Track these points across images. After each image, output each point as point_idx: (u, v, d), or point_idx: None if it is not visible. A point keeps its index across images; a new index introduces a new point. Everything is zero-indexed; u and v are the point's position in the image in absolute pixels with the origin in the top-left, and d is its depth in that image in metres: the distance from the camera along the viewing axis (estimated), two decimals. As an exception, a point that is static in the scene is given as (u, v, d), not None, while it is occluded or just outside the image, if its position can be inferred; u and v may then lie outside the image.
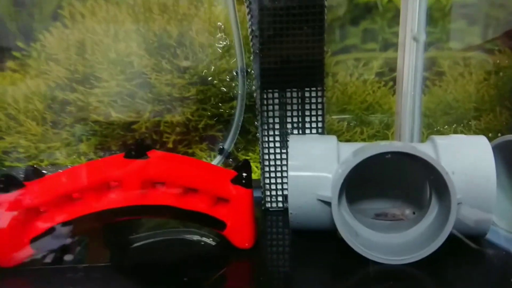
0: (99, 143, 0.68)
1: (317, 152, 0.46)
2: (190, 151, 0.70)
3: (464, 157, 0.42)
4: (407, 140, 0.60)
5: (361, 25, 0.67)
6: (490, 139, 0.44)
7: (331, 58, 0.68)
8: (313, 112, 0.57)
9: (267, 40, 0.54)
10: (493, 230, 0.43)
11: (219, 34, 0.64)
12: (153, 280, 0.40)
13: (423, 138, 0.68)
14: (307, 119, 0.58)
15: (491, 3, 0.67)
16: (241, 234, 0.44)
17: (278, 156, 0.59)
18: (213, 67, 0.67)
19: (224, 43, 0.66)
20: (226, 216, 0.43)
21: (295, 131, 0.58)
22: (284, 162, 0.58)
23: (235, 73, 0.65)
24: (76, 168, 0.44)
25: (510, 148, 0.47)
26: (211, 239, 0.47)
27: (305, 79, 0.55)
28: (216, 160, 0.67)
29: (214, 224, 0.44)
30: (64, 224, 0.41)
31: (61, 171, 0.45)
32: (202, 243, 0.47)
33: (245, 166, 0.50)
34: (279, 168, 0.59)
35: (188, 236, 0.49)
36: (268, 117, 0.57)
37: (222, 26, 0.65)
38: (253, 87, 0.63)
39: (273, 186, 0.60)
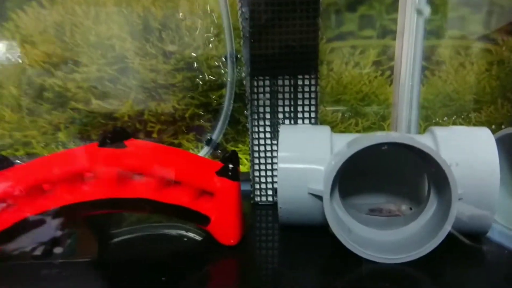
0: (79, 132, 0.66)
1: (309, 143, 0.44)
2: (176, 141, 0.68)
3: (466, 150, 0.40)
4: (404, 132, 0.59)
5: (358, 10, 0.65)
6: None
7: (326, 45, 0.67)
8: (306, 101, 0.56)
9: (257, 24, 0.51)
10: (493, 228, 0.41)
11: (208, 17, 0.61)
12: (131, 278, 0.38)
13: (421, 131, 0.67)
14: (300, 108, 0.56)
15: (494, -10, 0.65)
16: (226, 229, 0.41)
17: (268, 148, 0.57)
18: (201, 52, 0.65)
19: (213, 26, 0.63)
20: (210, 210, 0.41)
21: (287, 121, 0.56)
22: (274, 153, 0.57)
23: (224, 59, 0.62)
24: (46, 158, 0.41)
25: (513, 141, 0.46)
26: (196, 234, 0.45)
27: (298, 66, 0.53)
28: (204, 152, 0.64)
29: (197, 219, 0.41)
30: (34, 217, 0.38)
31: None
32: (185, 239, 0.44)
33: (233, 157, 0.48)
34: (269, 160, 0.58)
35: (173, 231, 0.47)
36: (258, 106, 0.55)
37: (211, 10, 0.62)
38: (243, 74, 0.60)
39: (262, 179, 0.58)
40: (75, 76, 0.65)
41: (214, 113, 0.67)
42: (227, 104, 0.63)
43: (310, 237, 0.45)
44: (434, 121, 0.69)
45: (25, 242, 0.40)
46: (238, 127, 0.68)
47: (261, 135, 0.57)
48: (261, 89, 0.55)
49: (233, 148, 0.70)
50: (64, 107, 0.66)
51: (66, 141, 0.67)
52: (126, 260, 0.41)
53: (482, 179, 0.39)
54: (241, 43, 0.54)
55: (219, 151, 0.68)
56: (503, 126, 0.68)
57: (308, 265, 0.40)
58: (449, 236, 0.37)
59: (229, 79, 0.62)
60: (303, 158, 0.43)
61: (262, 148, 0.57)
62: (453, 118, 0.69)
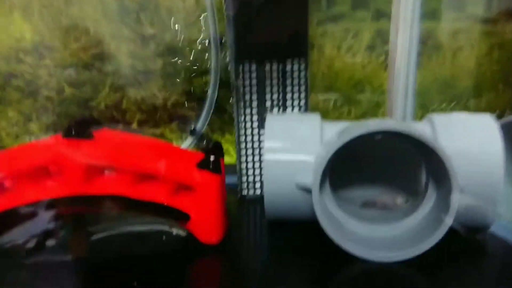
0: (52, 123, 0.62)
1: (297, 132, 0.42)
2: (158, 132, 0.65)
3: (467, 138, 0.38)
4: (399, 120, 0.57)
5: (351, -10, 0.64)
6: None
7: (316, 28, 0.65)
8: (295, 88, 0.53)
9: (242, 4, 0.48)
10: (497, 222, 0.39)
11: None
12: (102, 280, 0.35)
13: (417, 119, 0.64)
14: (289, 96, 0.54)
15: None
16: (207, 227, 0.39)
17: (255, 138, 0.55)
18: (183, 36, 0.63)
19: (195, 7, 0.60)
20: (190, 207, 0.38)
21: (275, 110, 0.54)
22: (262, 144, 0.54)
23: (207, 43, 0.59)
24: (6, 152, 0.38)
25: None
26: (180, 231, 0.42)
27: (287, 50, 0.51)
28: (187, 143, 0.61)
29: (175, 217, 0.38)
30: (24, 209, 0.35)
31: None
32: (164, 236, 0.41)
33: (216, 148, 0.45)
34: (257, 151, 0.56)
35: (155, 227, 0.44)
36: (244, 93, 0.53)
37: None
38: (227, 58, 0.57)
39: (250, 171, 0.56)
40: (47, 62, 0.62)
41: (199, 102, 0.64)
42: (211, 92, 0.60)
43: (300, 233, 0.43)
44: (431, 108, 0.68)
45: (17, 235, 0.39)
46: (224, 117, 0.67)
47: (248, 125, 0.54)
48: (247, 75, 0.53)
49: (220, 139, 0.68)
50: (35, 96, 0.63)
51: (38, 132, 0.63)
52: (100, 261, 0.39)
53: (485, 169, 0.37)
54: (225, 25, 0.51)
55: (205, 142, 0.65)
56: (506, 114, 0.66)
57: (296, 265, 0.38)
58: (450, 231, 0.35)
59: (213, 65, 0.59)
60: (290, 148, 0.41)
61: (249, 138, 0.55)
62: (451, 105, 0.68)
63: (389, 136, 0.38)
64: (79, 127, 0.36)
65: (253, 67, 0.52)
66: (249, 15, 0.49)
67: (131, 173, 0.37)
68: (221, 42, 0.58)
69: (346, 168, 0.44)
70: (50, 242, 0.41)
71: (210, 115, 0.61)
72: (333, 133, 0.41)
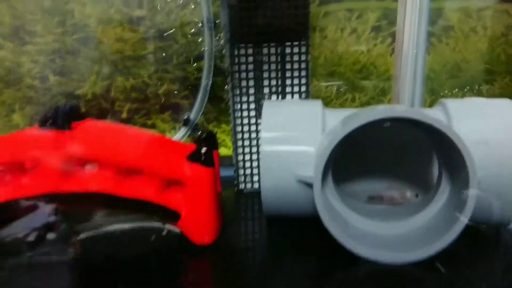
0: (36, 113, 0.60)
1: (296, 120, 0.39)
2: (149, 122, 0.63)
3: (485, 125, 0.35)
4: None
5: (355, -33, 0.62)
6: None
7: (318, 8, 0.62)
8: (296, 73, 0.51)
9: (237, -19, 0.46)
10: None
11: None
12: (87, 282, 0.33)
13: (426, 106, 0.64)
14: (288, 81, 0.51)
15: None
16: (198, 226, 0.36)
17: (253, 128, 0.53)
18: (174, 18, 0.60)
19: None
20: (180, 204, 0.36)
21: (274, 97, 0.52)
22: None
23: (200, 25, 0.56)
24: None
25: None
26: (171, 229, 0.40)
27: (286, 31, 0.49)
28: (181, 133, 0.59)
29: (164, 215, 0.36)
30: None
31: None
32: (154, 236, 0.39)
33: (209, 139, 0.42)
34: (254, 142, 0.54)
35: (144, 224, 0.41)
36: (240, 79, 0.51)
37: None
38: (221, 41, 0.54)
39: (247, 164, 0.54)
40: (29, 49, 0.59)
41: (193, 89, 0.62)
42: (205, 78, 0.57)
43: (300, 230, 0.41)
44: (441, 94, 0.66)
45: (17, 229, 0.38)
46: (221, 105, 0.64)
47: (245, 113, 0.52)
48: (243, 59, 0.50)
49: (216, 129, 0.65)
50: (17, 85, 0.60)
51: (21, 123, 0.61)
52: (85, 262, 0.37)
53: (504, 160, 0.34)
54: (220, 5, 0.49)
55: (200, 132, 0.62)
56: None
57: (296, 265, 0.36)
58: (465, 228, 0.32)
59: (206, 48, 0.55)
60: (289, 138, 0.38)
61: (246, 128, 0.53)
62: (463, 91, 0.66)
63: (398, 123, 0.35)
64: (56, 117, 0.33)
65: (250, 50, 0.50)
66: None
67: (115, 168, 0.35)
68: (215, 24, 0.55)
69: (350, 159, 0.43)
70: (51, 236, 0.39)
71: (204, 104, 0.58)
72: (336, 121, 0.39)
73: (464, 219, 0.32)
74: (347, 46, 0.63)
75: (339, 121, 0.38)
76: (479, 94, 0.65)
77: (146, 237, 0.39)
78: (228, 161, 0.54)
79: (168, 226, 0.37)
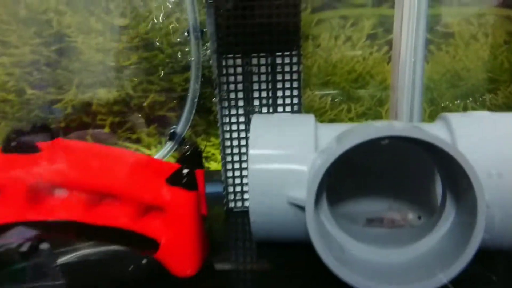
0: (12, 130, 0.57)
1: (288, 136, 0.37)
2: (133, 136, 0.61)
3: (493, 143, 0.33)
4: (405, 119, 0.54)
5: (349, -27, 0.62)
6: None
7: (310, 16, 0.61)
8: (287, 84, 0.49)
9: (224, -12, 0.45)
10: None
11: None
12: None
13: (425, 117, 0.63)
14: (279, 93, 0.49)
15: None
16: (180, 257, 0.34)
17: (243, 142, 0.50)
18: (159, 27, 0.58)
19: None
20: (159, 232, 0.33)
21: (264, 110, 0.50)
22: (249, 150, 0.49)
23: (186, 34, 0.54)
24: None
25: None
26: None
27: (276, 41, 0.47)
28: (167, 148, 0.56)
29: (142, 244, 0.33)
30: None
31: None
32: (132, 266, 0.36)
33: (193, 156, 0.40)
34: (244, 158, 0.52)
35: (121, 253, 0.39)
36: (228, 91, 0.49)
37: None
38: (208, 51, 0.52)
39: (237, 181, 0.51)
40: (3, 60, 0.58)
41: (180, 101, 0.60)
42: (192, 90, 0.55)
43: (295, 256, 0.39)
44: (441, 105, 0.64)
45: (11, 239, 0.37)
46: (209, 117, 0.62)
47: (234, 127, 0.50)
48: (231, 70, 0.48)
49: (205, 143, 0.62)
50: (-9, 99, 0.58)
51: (-4, 140, 0.58)
52: None
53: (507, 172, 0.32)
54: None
55: (187, 146, 0.60)
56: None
57: None
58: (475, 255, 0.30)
59: (193, 59, 0.53)
60: (279, 156, 0.36)
61: (235, 143, 0.51)
62: (464, 101, 0.65)
63: (397, 140, 0.32)
64: (21, 139, 0.30)
65: (238, 61, 0.48)
66: (232, 0, 0.45)
67: (86, 193, 0.32)
68: (202, 33, 0.53)
69: (346, 179, 0.41)
70: (44, 246, 0.38)
71: (192, 116, 0.56)
72: (330, 138, 0.37)
73: (473, 246, 0.29)
74: (342, 54, 0.62)
75: (333, 137, 0.36)
76: (482, 104, 0.64)
77: (123, 266, 0.36)
78: (218, 176, 0.52)
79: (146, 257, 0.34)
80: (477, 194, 0.29)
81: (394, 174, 0.42)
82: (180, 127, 0.56)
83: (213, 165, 0.64)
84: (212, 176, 0.60)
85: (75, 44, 0.57)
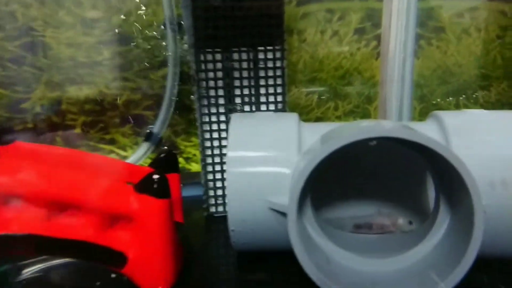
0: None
1: (269, 137, 0.35)
2: (107, 137, 0.59)
3: (490, 143, 0.32)
4: (394, 117, 0.53)
5: (336, -36, 0.61)
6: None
7: (295, 9, 0.59)
8: (270, 81, 0.47)
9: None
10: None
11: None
12: None
13: (415, 115, 0.62)
14: (262, 90, 0.47)
15: None
16: (150, 271, 0.31)
17: (224, 143, 0.48)
18: (134, 20, 0.55)
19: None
20: (127, 244, 0.31)
21: (247, 108, 0.48)
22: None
23: (162, 27, 0.51)
24: None
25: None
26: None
27: (259, 34, 0.45)
28: (143, 150, 0.53)
29: (108, 258, 0.30)
30: None
31: None
32: (99, 283, 0.33)
33: (168, 160, 0.37)
34: (225, 159, 0.47)
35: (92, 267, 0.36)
36: (208, 88, 0.47)
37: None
38: (185, 45, 0.50)
39: (218, 184, 0.49)
40: None
41: (158, 99, 0.57)
42: (170, 87, 0.53)
43: (278, 267, 0.37)
44: (433, 102, 0.64)
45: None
46: (190, 116, 0.60)
47: (214, 127, 0.48)
48: (210, 66, 0.46)
49: (185, 143, 0.60)
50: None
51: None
52: None
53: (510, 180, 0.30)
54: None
55: (166, 147, 0.57)
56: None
57: None
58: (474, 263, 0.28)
59: (170, 54, 0.51)
60: (260, 159, 0.34)
61: (216, 143, 0.48)
62: (455, 98, 0.64)
63: (386, 140, 0.30)
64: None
65: (218, 56, 0.46)
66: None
67: (45, 203, 0.29)
68: (179, 26, 0.50)
69: (332, 182, 0.39)
70: None
71: (170, 115, 0.53)
72: (315, 138, 0.35)
73: (471, 255, 0.27)
74: (328, 50, 0.61)
75: (318, 138, 0.34)
76: (475, 101, 0.64)
77: (90, 282, 0.33)
78: (199, 179, 0.50)
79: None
80: (473, 199, 0.27)
81: (383, 177, 0.41)
82: (157, 127, 0.54)
83: (194, 167, 0.61)
84: (193, 178, 0.58)
85: (42, 38, 0.55)
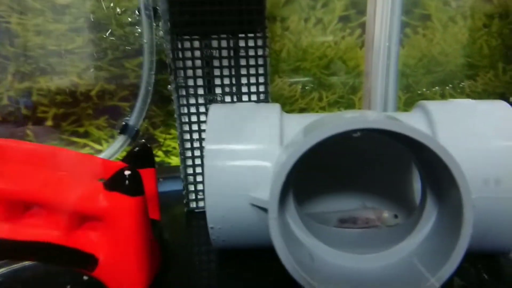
0: None
1: (250, 129, 0.34)
2: (81, 129, 0.56)
3: (478, 134, 0.31)
4: (379, 108, 0.53)
5: None
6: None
7: None
8: (252, 71, 0.46)
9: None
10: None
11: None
12: None
13: (400, 105, 0.62)
14: (244, 80, 0.46)
15: None
16: (123, 274, 0.29)
17: (204, 135, 0.46)
18: (107, 5, 0.53)
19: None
20: (97, 246, 0.29)
21: (228, 98, 0.46)
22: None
23: (136, 13, 0.49)
24: None
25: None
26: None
27: (239, 20, 0.44)
28: (118, 143, 0.51)
29: (76, 261, 0.29)
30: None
31: None
32: (69, 286, 0.32)
33: (141, 154, 0.36)
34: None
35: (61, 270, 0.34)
36: (186, 77, 0.45)
37: None
38: (161, 32, 0.48)
39: (199, 178, 0.47)
40: None
41: (133, 89, 0.55)
42: (146, 76, 0.50)
43: (260, 265, 0.35)
44: (418, 92, 0.63)
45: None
46: (168, 107, 0.57)
47: (193, 118, 0.46)
48: (188, 54, 0.44)
49: (163, 136, 0.58)
50: None
51: None
52: None
53: (505, 174, 0.29)
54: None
55: (143, 140, 0.55)
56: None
57: None
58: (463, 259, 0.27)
59: (146, 41, 0.48)
60: (240, 152, 0.33)
61: (195, 135, 0.47)
62: (441, 88, 0.63)
63: (371, 132, 0.29)
64: None
65: (196, 43, 0.44)
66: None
67: (5, 203, 0.27)
68: (155, 12, 0.48)
69: (315, 175, 0.38)
70: None
71: (147, 107, 0.51)
72: (297, 129, 0.34)
73: (460, 251, 0.26)
74: (312, 38, 0.59)
75: (301, 129, 0.33)
76: (461, 90, 0.64)
77: (59, 285, 0.32)
78: (179, 173, 0.48)
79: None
80: (462, 192, 0.26)
81: (367, 169, 0.40)
82: (134, 119, 0.51)
83: (175, 160, 0.59)
84: (173, 172, 0.56)
85: (8, 25, 0.51)
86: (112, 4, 0.53)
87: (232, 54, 0.44)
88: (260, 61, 0.45)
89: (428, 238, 0.30)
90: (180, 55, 0.43)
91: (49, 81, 0.53)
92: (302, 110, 0.60)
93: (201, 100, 0.45)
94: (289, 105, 0.60)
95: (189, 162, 0.47)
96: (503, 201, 0.29)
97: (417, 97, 0.62)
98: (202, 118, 0.46)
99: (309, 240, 0.33)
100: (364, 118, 0.28)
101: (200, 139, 0.46)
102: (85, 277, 0.32)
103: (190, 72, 0.44)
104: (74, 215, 0.28)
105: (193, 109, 0.45)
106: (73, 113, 0.55)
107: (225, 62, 0.44)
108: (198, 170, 0.47)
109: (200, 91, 0.45)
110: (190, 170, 0.47)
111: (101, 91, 0.55)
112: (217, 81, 0.45)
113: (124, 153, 0.52)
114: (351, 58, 0.60)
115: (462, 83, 0.63)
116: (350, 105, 0.62)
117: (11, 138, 0.44)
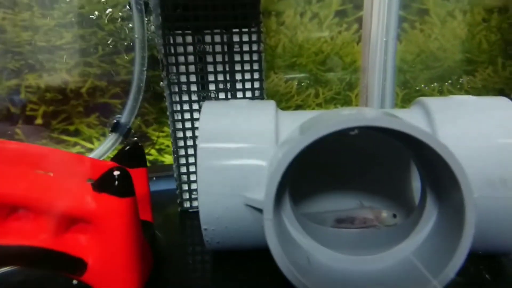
0: None
1: (244, 127, 0.33)
2: (71, 128, 0.54)
3: (479, 131, 0.30)
4: (376, 104, 0.53)
5: None
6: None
7: None
8: (247, 66, 0.45)
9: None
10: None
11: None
12: None
13: (398, 101, 0.61)
14: (238, 76, 0.45)
15: None
16: (112, 278, 0.28)
17: (197, 133, 0.45)
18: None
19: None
20: (86, 249, 0.28)
21: (222, 95, 0.45)
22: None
23: (127, 7, 0.47)
24: None
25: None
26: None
27: (233, 15, 0.43)
28: (110, 141, 0.50)
29: (64, 265, 0.28)
30: None
31: None
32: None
33: (132, 153, 0.35)
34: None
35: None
36: (178, 73, 0.44)
37: None
38: (152, 26, 0.47)
39: (192, 177, 0.47)
40: None
41: (125, 86, 0.54)
42: (138, 72, 0.49)
43: (255, 267, 0.34)
44: (416, 88, 0.62)
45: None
46: (161, 104, 0.56)
47: (186, 116, 0.45)
48: (180, 50, 0.43)
49: (157, 134, 0.57)
50: None
51: None
52: None
53: (505, 174, 0.29)
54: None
55: (135, 138, 0.54)
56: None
57: None
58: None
59: (137, 36, 0.47)
60: (234, 150, 0.32)
61: (188, 133, 0.46)
62: (441, 84, 0.63)
63: (368, 129, 0.29)
64: None
65: (188, 38, 0.43)
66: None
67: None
68: (146, 6, 0.47)
69: (312, 174, 0.37)
70: None
71: (139, 104, 0.50)
72: (293, 127, 0.33)
73: (463, 252, 0.26)
74: (308, 33, 0.58)
75: (297, 127, 0.32)
76: (459, 87, 0.63)
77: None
78: (170, 171, 0.48)
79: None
80: (464, 192, 0.26)
81: (365, 167, 0.39)
82: (125, 116, 0.50)
83: (168, 159, 0.58)
84: (167, 171, 0.55)
85: (-6, 20, 0.50)
86: (102, -2, 0.51)
87: (226, 49, 0.44)
88: (255, 57, 0.44)
89: (429, 239, 0.30)
90: (172, 51, 0.43)
91: (38, 78, 0.51)
92: (298, 107, 0.59)
93: (194, 97, 0.45)
94: (285, 102, 0.59)
95: (183, 160, 0.46)
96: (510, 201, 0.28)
97: (415, 93, 0.62)
98: (196, 115, 0.45)
99: (306, 241, 0.33)
100: (362, 115, 0.28)
101: (194, 137, 0.45)
102: (74, 282, 0.31)
103: (182, 68, 0.43)
104: (62, 217, 0.27)
105: (186, 106, 0.44)
106: (63, 110, 0.53)
107: (218, 58, 0.44)
108: (192, 169, 0.46)
109: (193, 87, 0.44)
110: (183, 169, 0.46)
111: (92, 88, 0.53)
112: (211, 77, 0.44)
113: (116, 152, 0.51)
114: (348, 54, 0.59)
115: (461, 79, 0.62)
116: (347, 102, 0.61)
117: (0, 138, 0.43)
